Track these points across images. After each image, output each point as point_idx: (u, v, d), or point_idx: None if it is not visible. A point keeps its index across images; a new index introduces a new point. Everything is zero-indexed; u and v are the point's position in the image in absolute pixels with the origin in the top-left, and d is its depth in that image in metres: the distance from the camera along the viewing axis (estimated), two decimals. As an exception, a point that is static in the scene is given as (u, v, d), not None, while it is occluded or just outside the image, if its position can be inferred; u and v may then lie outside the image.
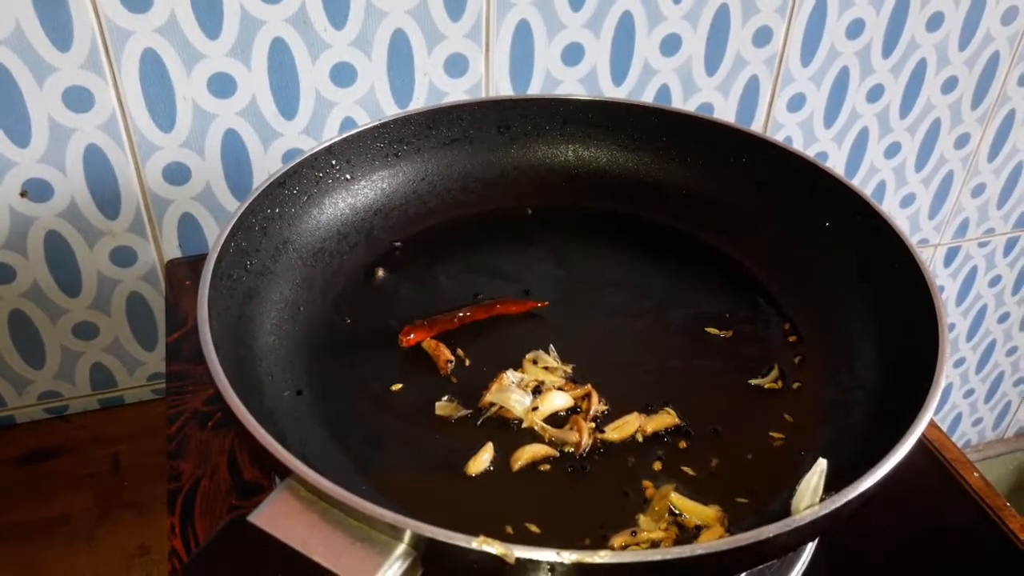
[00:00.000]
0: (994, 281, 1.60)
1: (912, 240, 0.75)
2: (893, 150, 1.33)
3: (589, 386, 0.68)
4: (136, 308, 1.10)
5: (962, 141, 1.37)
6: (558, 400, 0.67)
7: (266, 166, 1.04)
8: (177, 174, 1.01)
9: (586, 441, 0.64)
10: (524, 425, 0.66)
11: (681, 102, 1.16)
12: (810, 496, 0.52)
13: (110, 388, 1.15)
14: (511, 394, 0.67)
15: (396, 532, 0.48)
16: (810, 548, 0.69)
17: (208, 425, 0.82)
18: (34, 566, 0.98)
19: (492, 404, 0.67)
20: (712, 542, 0.47)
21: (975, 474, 0.87)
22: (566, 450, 0.64)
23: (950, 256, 1.52)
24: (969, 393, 1.78)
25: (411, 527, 0.47)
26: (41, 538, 1.00)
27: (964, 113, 1.33)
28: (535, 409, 0.66)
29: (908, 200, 1.40)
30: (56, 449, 1.10)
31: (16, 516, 1.01)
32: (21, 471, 1.07)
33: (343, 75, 1.00)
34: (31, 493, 1.04)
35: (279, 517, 0.49)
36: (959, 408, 1.81)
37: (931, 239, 1.48)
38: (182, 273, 1.02)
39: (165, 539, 0.99)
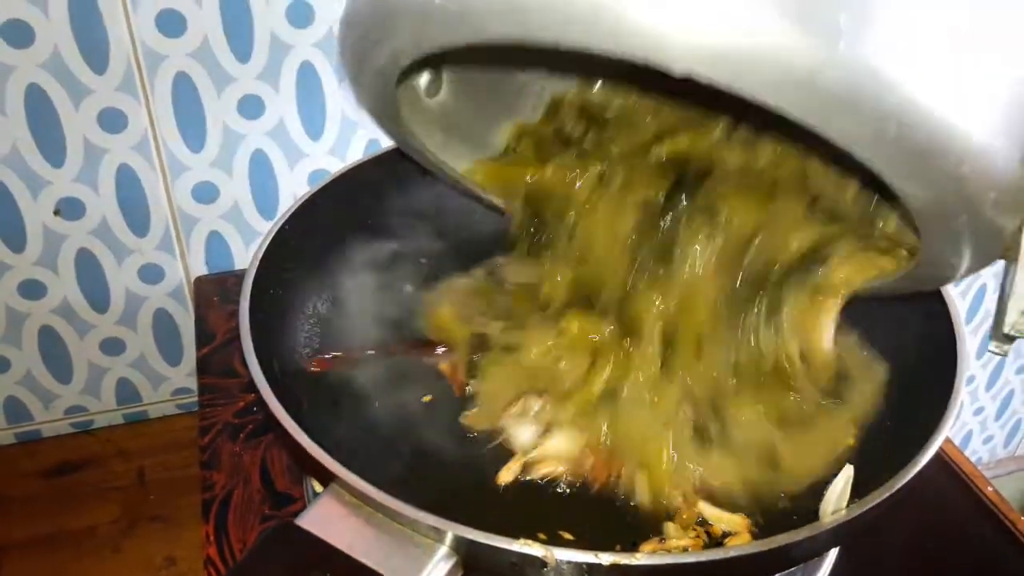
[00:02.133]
0: (1003, 299, 1.61)
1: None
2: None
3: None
4: (162, 324, 1.12)
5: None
6: (559, 444, 0.65)
7: (292, 186, 1.06)
8: (205, 193, 1.04)
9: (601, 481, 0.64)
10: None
11: (696, 123, 1.18)
12: (836, 501, 0.54)
13: (135, 403, 1.17)
14: (518, 427, 0.66)
15: (438, 535, 0.50)
16: (831, 557, 0.70)
17: (240, 437, 0.84)
18: (61, 576, 1.00)
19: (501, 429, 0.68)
20: (744, 544, 0.49)
21: (989, 488, 0.89)
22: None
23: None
24: (979, 411, 1.79)
25: (453, 530, 0.49)
26: (68, 550, 1.02)
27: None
28: (534, 450, 0.65)
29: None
30: (82, 462, 1.11)
31: (43, 528, 1.03)
32: (48, 484, 1.09)
33: (368, 97, 1.03)
34: (58, 506, 1.06)
35: (325, 520, 0.51)
36: (969, 426, 1.82)
37: (941, 258, 1.50)
38: (209, 289, 1.05)
39: (191, 551, 1.01)
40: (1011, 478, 1.89)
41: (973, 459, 1.86)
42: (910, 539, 0.78)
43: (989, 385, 1.76)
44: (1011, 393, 1.80)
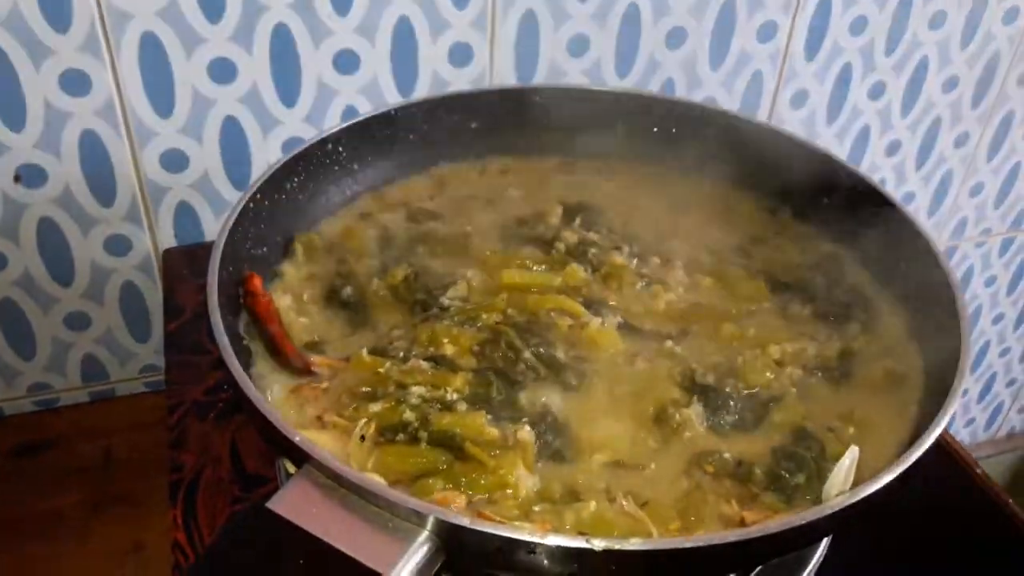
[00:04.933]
0: (989, 281, 1.60)
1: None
2: (893, 148, 1.33)
3: None
4: (130, 298, 1.07)
5: (961, 140, 1.37)
6: None
7: (265, 155, 1.02)
8: (174, 161, 0.99)
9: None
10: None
11: (685, 95, 1.15)
12: (841, 483, 0.51)
13: (101, 380, 1.13)
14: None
15: (419, 519, 0.47)
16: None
17: (209, 416, 0.80)
18: (25, 562, 0.95)
19: None
20: (743, 530, 0.46)
21: (978, 470, 0.87)
22: None
23: (947, 256, 1.53)
24: (963, 393, 1.79)
25: (435, 513, 0.46)
26: (31, 533, 0.97)
27: (964, 112, 1.33)
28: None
29: (908, 198, 1.40)
30: (46, 442, 1.07)
31: (5, 511, 0.99)
32: (9, 464, 1.05)
33: (346, 62, 0.99)
34: (20, 487, 1.02)
35: (298, 504, 0.48)
36: (952, 408, 1.81)
37: (928, 238, 1.48)
38: (179, 262, 1.00)
39: (159, 535, 0.97)
40: (991, 461, 1.89)
41: (955, 442, 1.85)
42: (903, 517, 0.75)
43: (972, 368, 1.75)
44: (994, 376, 1.80)
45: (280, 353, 0.63)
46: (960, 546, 0.77)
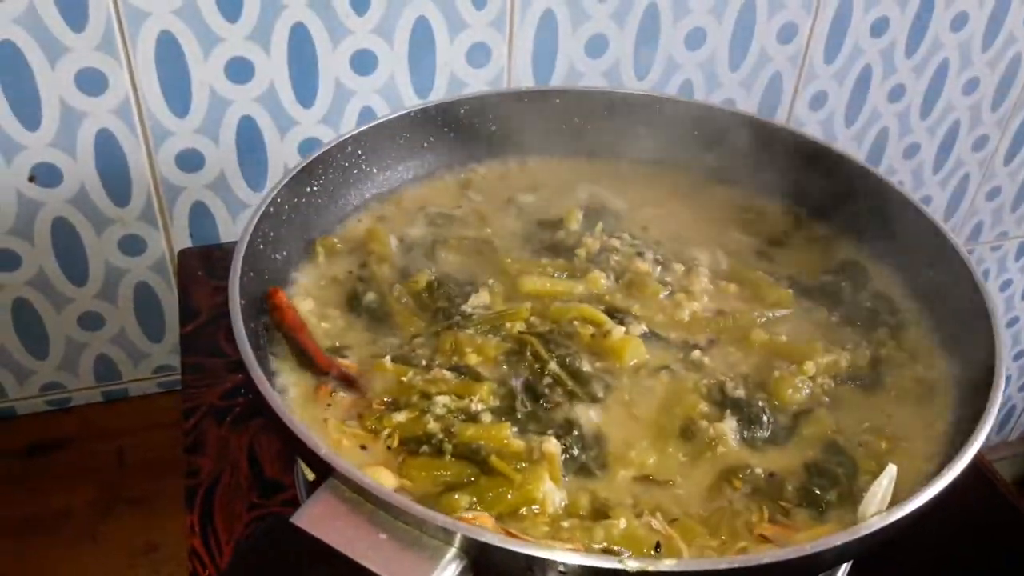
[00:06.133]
0: (1004, 286, 1.59)
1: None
2: (912, 151, 1.32)
3: None
4: (144, 299, 1.07)
5: (980, 143, 1.35)
6: None
7: (282, 155, 1.01)
8: (190, 161, 0.98)
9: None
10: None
11: (704, 97, 1.14)
12: (878, 503, 0.50)
13: (114, 380, 1.12)
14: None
15: (447, 536, 0.46)
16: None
17: (226, 420, 0.80)
18: (36, 562, 0.95)
19: None
20: (780, 550, 0.45)
21: (998, 476, 0.86)
22: None
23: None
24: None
25: (464, 531, 0.45)
26: (43, 533, 0.97)
27: (983, 115, 1.32)
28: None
29: (925, 202, 1.39)
30: (58, 442, 1.06)
31: (17, 510, 0.98)
32: (22, 464, 1.04)
33: (364, 63, 0.98)
34: (32, 487, 1.01)
35: (323, 519, 0.47)
36: (965, 412, 1.80)
37: (945, 242, 1.47)
38: (194, 263, 1.00)
39: (172, 536, 0.97)
40: (1003, 463, 1.88)
41: (967, 445, 1.84)
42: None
43: (987, 371, 1.74)
44: (1007, 380, 1.78)
45: (313, 365, 0.62)
46: (979, 552, 0.76)
